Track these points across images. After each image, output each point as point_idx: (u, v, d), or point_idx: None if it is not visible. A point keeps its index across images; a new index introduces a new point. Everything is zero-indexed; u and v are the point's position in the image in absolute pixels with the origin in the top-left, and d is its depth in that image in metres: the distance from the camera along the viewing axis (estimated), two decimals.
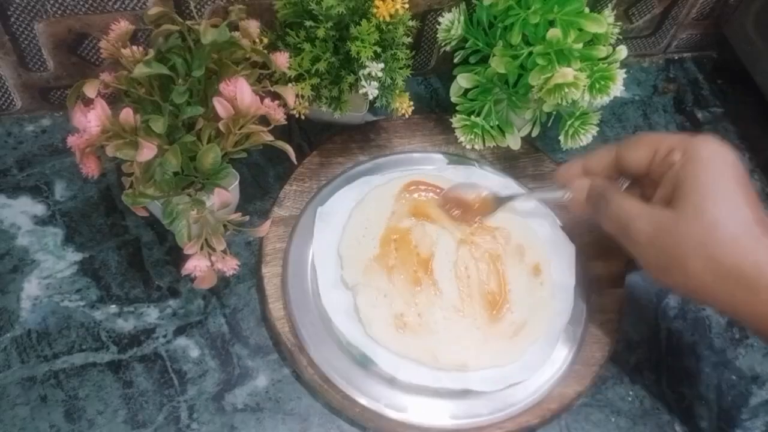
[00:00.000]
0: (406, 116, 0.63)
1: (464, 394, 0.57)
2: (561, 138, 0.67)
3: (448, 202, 0.65)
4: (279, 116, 0.55)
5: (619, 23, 0.66)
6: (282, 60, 0.58)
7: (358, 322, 0.59)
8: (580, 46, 0.62)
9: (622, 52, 0.65)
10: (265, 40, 0.60)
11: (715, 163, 0.51)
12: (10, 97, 0.66)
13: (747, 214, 0.49)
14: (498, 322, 0.60)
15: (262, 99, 0.54)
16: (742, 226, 0.49)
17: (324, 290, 0.60)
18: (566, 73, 0.60)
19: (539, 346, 0.60)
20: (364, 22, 0.57)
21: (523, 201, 0.66)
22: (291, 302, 0.60)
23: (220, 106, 0.52)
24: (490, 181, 0.68)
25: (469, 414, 0.57)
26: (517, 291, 0.62)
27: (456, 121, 0.69)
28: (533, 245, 0.64)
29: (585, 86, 0.62)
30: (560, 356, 0.60)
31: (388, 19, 0.57)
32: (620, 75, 0.63)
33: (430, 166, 0.68)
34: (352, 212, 0.64)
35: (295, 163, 0.60)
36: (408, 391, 0.57)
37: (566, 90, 0.61)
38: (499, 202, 0.65)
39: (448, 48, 0.68)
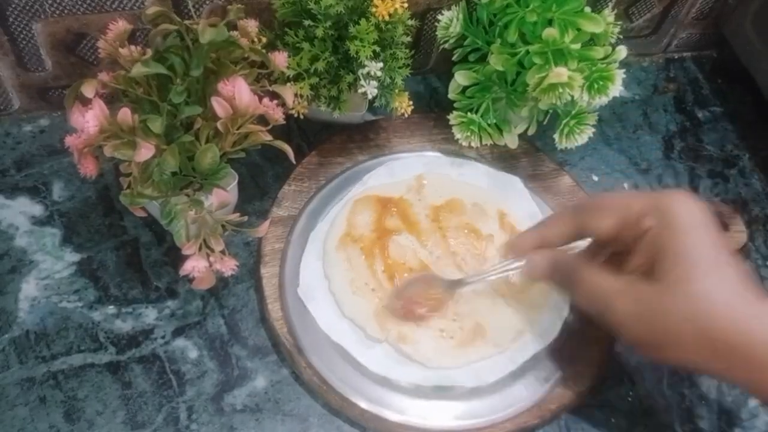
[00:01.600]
0: (406, 115, 0.63)
1: (464, 394, 0.57)
2: (556, 137, 0.67)
3: (398, 311, 0.59)
4: (278, 116, 0.55)
5: (618, 23, 0.66)
6: (281, 59, 0.57)
7: (414, 362, 0.58)
8: (578, 45, 0.62)
9: (621, 52, 0.65)
10: (264, 40, 0.60)
11: (692, 227, 0.48)
12: (8, 98, 0.66)
13: (735, 280, 0.46)
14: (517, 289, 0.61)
15: (260, 98, 0.54)
16: (733, 293, 0.46)
17: (362, 357, 0.58)
18: (560, 73, 0.60)
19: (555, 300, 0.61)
20: (363, 21, 0.57)
21: (477, 284, 0.60)
22: (289, 303, 0.59)
23: (218, 105, 0.52)
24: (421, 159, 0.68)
25: (469, 415, 0.57)
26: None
27: (453, 118, 0.69)
28: (488, 198, 0.66)
29: (581, 86, 0.61)
30: (559, 356, 0.60)
31: (387, 18, 0.56)
32: (619, 75, 0.63)
33: (355, 185, 0.66)
34: (325, 273, 0.61)
35: (294, 163, 0.60)
36: (407, 393, 0.57)
37: (560, 90, 0.61)
38: (451, 291, 0.60)
39: (446, 46, 0.68)
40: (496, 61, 0.63)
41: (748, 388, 0.48)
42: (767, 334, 0.45)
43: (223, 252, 0.54)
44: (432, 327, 0.59)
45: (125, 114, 0.51)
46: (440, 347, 0.58)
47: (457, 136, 0.69)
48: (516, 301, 0.61)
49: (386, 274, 0.61)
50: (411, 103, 0.63)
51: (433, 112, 0.74)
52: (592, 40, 0.64)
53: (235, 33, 0.57)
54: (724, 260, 0.47)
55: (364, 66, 0.58)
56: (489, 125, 0.68)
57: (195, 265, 0.52)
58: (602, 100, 0.63)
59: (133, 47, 0.55)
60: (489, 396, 0.58)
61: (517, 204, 0.66)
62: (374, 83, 0.59)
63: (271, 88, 0.57)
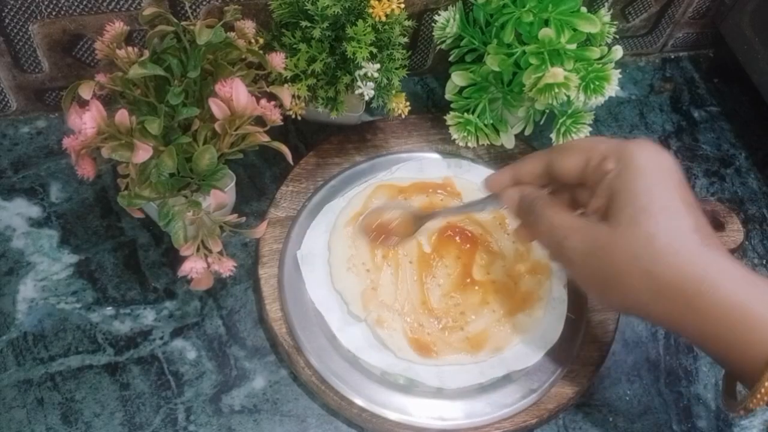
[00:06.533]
0: (403, 116, 0.63)
1: (462, 393, 0.57)
2: (553, 137, 0.67)
3: (369, 230, 0.62)
4: (275, 117, 0.55)
5: (615, 23, 0.66)
6: (278, 60, 0.57)
7: (386, 349, 0.58)
8: (574, 46, 0.62)
9: (617, 52, 0.65)
10: (261, 41, 0.60)
11: (650, 170, 0.47)
12: (5, 99, 0.66)
13: (685, 223, 0.45)
14: (510, 297, 0.61)
15: (258, 100, 0.54)
16: (680, 236, 0.45)
17: (339, 331, 0.58)
18: (557, 73, 0.60)
19: (552, 306, 0.61)
20: (359, 22, 0.57)
21: (449, 217, 0.63)
22: (288, 303, 0.59)
23: (215, 107, 0.52)
24: (439, 169, 0.68)
25: (467, 414, 0.57)
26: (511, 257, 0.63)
27: (450, 118, 0.69)
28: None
29: (577, 86, 0.62)
30: (558, 355, 0.60)
31: (384, 19, 0.57)
32: (615, 75, 0.63)
33: (382, 172, 0.67)
34: (329, 244, 0.62)
35: (292, 163, 0.60)
36: (406, 392, 0.57)
37: (557, 90, 0.61)
38: (419, 221, 0.62)
39: (443, 46, 0.68)
40: (492, 62, 0.64)
41: (688, 335, 0.47)
42: (710, 279, 0.44)
43: (221, 253, 0.54)
44: (409, 321, 0.59)
45: (123, 115, 0.51)
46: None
47: (454, 136, 0.69)
48: (500, 306, 0.61)
49: (384, 259, 0.61)
50: (408, 103, 0.63)
51: (430, 112, 0.74)
52: (588, 40, 0.64)
53: (232, 34, 0.57)
54: (678, 203, 0.46)
55: (361, 67, 0.58)
56: (486, 125, 0.68)
57: (193, 266, 0.52)
58: (598, 100, 0.64)
59: (130, 48, 0.56)
60: (487, 395, 0.58)
61: None
62: (371, 84, 0.59)
63: (268, 89, 0.57)
